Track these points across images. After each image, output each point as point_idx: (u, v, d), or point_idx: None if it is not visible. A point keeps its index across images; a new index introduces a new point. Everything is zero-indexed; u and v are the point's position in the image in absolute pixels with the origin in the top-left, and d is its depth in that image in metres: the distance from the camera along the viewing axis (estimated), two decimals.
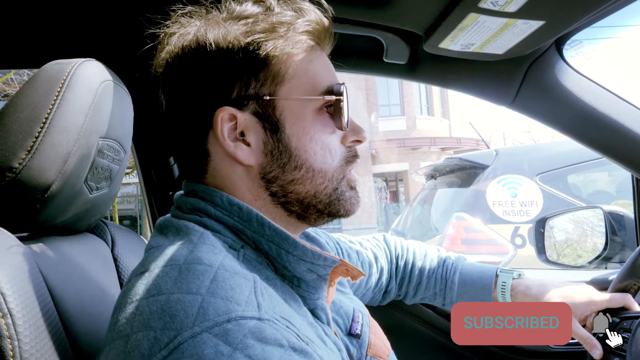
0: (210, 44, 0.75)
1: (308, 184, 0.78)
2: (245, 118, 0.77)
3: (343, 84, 0.80)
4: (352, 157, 0.83)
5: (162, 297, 0.60)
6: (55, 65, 0.89)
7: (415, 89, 25.21)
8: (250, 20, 0.76)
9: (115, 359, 0.59)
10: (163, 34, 0.81)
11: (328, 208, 0.81)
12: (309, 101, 0.78)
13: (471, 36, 1.12)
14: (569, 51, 1.34)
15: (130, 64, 1.04)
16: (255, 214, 0.75)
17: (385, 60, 1.38)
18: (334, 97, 0.79)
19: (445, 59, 1.31)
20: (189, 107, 0.78)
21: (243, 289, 0.63)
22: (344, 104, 0.79)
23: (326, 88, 0.79)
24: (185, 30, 0.79)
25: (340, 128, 0.80)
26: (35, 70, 0.89)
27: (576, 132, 1.38)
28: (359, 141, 0.84)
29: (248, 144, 0.77)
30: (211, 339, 0.55)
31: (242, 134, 0.77)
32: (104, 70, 0.94)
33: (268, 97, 0.76)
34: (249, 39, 0.74)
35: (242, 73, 0.76)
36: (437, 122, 26.07)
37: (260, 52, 0.74)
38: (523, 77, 1.34)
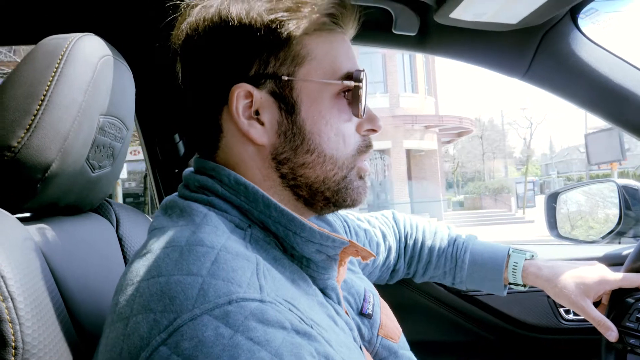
0: (233, 19, 0.73)
1: (318, 169, 0.77)
2: (261, 96, 0.75)
3: (363, 70, 0.78)
4: (365, 147, 0.82)
5: (162, 279, 0.59)
6: (53, 41, 0.86)
7: (399, 66, 25.17)
8: None
9: (115, 341, 0.58)
10: (185, 5, 0.79)
11: (335, 196, 0.80)
12: (327, 85, 0.76)
13: (484, 4, 1.08)
14: (584, 20, 1.30)
15: (131, 39, 1.01)
16: (261, 194, 0.74)
17: (394, 31, 1.35)
18: (352, 83, 0.77)
19: (456, 30, 1.27)
20: (205, 81, 0.77)
21: (245, 270, 0.62)
22: (363, 91, 0.77)
23: (346, 73, 0.77)
24: (208, 3, 0.77)
25: (357, 115, 0.78)
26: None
27: (592, 104, 1.34)
28: (374, 130, 0.82)
29: (262, 123, 0.76)
30: (211, 321, 0.54)
31: (257, 112, 0.76)
32: (103, 45, 0.92)
33: (286, 77, 0.74)
34: (271, 17, 0.72)
35: (262, 51, 0.74)
36: (421, 100, 26.02)
37: (282, 31, 0.72)
38: (536, 48, 1.30)
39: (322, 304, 0.75)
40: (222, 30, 0.74)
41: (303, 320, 0.62)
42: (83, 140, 0.86)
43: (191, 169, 0.82)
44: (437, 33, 1.35)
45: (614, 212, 1.69)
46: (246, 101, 0.75)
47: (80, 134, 0.85)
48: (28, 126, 0.79)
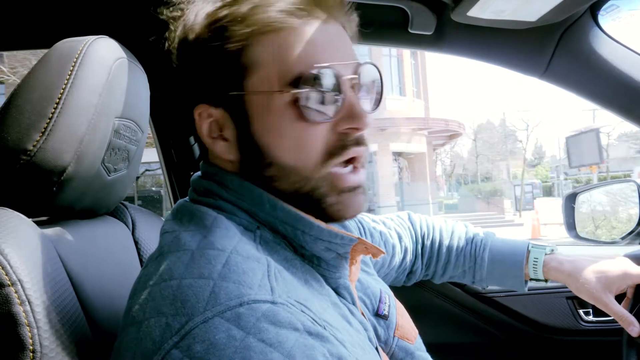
0: (187, 38, 0.73)
1: (284, 182, 0.72)
2: (219, 114, 0.73)
3: (327, 68, 0.69)
4: (340, 148, 0.72)
5: (174, 282, 0.59)
6: (67, 43, 0.86)
7: (385, 68, 24.96)
8: (218, 4, 0.72)
9: (128, 345, 0.59)
10: (174, 18, 0.78)
11: (316, 210, 0.74)
12: (274, 94, 0.69)
13: (502, 2, 1.07)
14: (604, 17, 1.27)
15: (145, 42, 1.01)
16: (266, 196, 0.73)
17: (411, 31, 1.33)
18: (299, 91, 0.68)
19: (473, 29, 1.25)
20: (181, 99, 0.77)
21: (256, 272, 0.61)
22: (316, 94, 0.69)
23: (297, 76, 0.68)
24: (187, 15, 0.75)
25: (311, 121, 0.69)
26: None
27: (612, 103, 1.32)
28: (356, 129, 0.72)
29: (227, 140, 0.74)
30: (223, 324, 0.54)
31: (222, 129, 0.74)
32: (117, 48, 0.91)
33: (234, 93, 0.71)
34: (213, 27, 0.70)
35: (211, 68, 0.72)
36: (409, 103, 25.93)
37: (222, 43, 0.70)
38: (556, 46, 1.28)
39: (336, 304, 0.74)
40: (182, 49, 0.74)
41: (316, 321, 0.61)
42: (98, 143, 0.86)
43: (199, 173, 0.82)
44: (454, 32, 1.34)
45: (635, 213, 1.66)
46: (209, 120, 0.74)
47: (96, 137, 0.84)
48: (43, 129, 0.78)
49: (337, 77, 0.70)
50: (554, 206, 22.81)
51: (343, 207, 0.74)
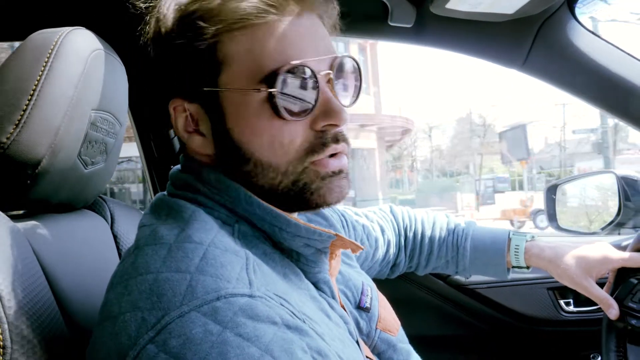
0: (157, 32, 0.71)
1: (261, 178, 0.72)
2: (195, 109, 0.72)
3: (301, 65, 0.67)
4: (320, 146, 0.71)
5: (151, 276, 0.59)
6: (42, 35, 0.85)
7: None
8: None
9: (103, 340, 0.58)
10: (148, 10, 0.76)
11: (299, 201, 0.73)
12: (248, 91, 0.68)
13: None
14: (581, 9, 1.28)
15: (123, 33, 1.00)
16: (243, 192, 0.72)
17: (390, 23, 1.33)
18: (275, 89, 0.67)
19: (452, 21, 1.26)
20: (157, 93, 0.76)
21: (234, 265, 0.61)
22: (290, 92, 0.67)
23: (270, 72, 0.67)
24: (159, 8, 0.73)
25: (285, 118, 0.68)
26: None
27: (590, 95, 1.33)
28: (333, 125, 0.71)
29: (203, 134, 0.73)
30: (200, 318, 0.54)
31: (198, 123, 0.73)
32: (94, 39, 0.90)
33: (207, 89, 0.70)
34: (183, 22, 0.69)
35: (184, 63, 0.70)
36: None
37: (194, 38, 0.68)
38: (534, 38, 1.29)
39: (315, 298, 0.74)
40: (156, 43, 0.73)
41: (295, 315, 0.61)
42: (74, 136, 0.85)
43: (178, 167, 0.81)
44: (433, 25, 1.34)
45: (614, 203, 1.68)
46: (185, 114, 0.73)
47: (71, 129, 0.83)
48: (17, 122, 0.77)
49: (312, 73, 0.68)
50: (516, 200, 22.92)
51: (327, 191, 0.73)
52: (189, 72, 0.71)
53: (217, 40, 0.68)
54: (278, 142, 0.69)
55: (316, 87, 0.69)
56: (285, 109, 0.68)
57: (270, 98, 0.67)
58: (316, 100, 0.69)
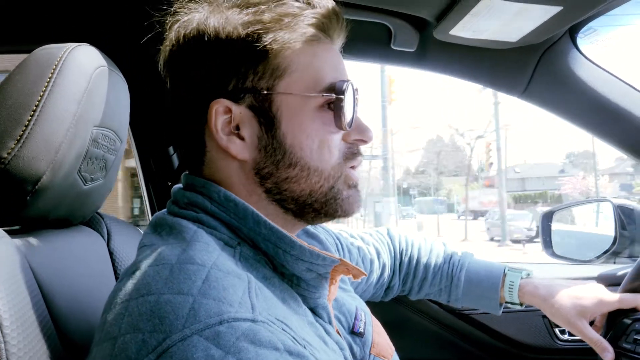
0: (209, 34, 0.72)
1: (303, 182, 0.75)
2: (240, 111, 0.73)
3: (348, 81, 0.76)
4: (352, 155, 0.79)
5: (152, 298, 0.57)
6: (46, 50, 0.84)
7: None
8: (252, 9, 0.73)
9: None
10: (168, 21, 0.78)
11: (325, 207, 0.78)
12: (308, 98, 0.74)
13: (484, 22, 1.08)
14: (582, 39, 1.30)
15: (126, 50, 1.00)
16: (251, 211, 0.72)
17: (393, 47, 1.34)
18: (334, 96, 0.74)
19: (455, 47, 1.27)
20: (187, 97, 0.76)
21: (237, 289, 0.60)
22: (345, 104, 0.75)
23: (328, 85, 0.75)
24: (188, 18, 0.75)
25: (341, 127, 0.75)
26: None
27: (590, 124, 1.34)
28: (363, 141, 0.80)
29: (242, 138, 0.74)
30: (202, 342, 0.53)
31: (238, 127, 0.74)
32: (98, 56, 0.90)
33: (265, 92, 0.73)
34: (248, 30, 0.71)
35: (240, 65, 0.72)
36: None
37: (259, 44, 0.71)
38: (535, 66, 1.31)
39: (312, 323, 0.73)
40: (200, 45, 0.73)
41: (296, 340, 0.60)
42: (75, 152, 0.84)
43: (180, 185, 0.81)
44: (436, 50, 1.35)
45: (609, 232, 1.68)
46: (225, 116, 0.73)
47: (73, 145, 0.83)
48: (19, 137, 0.76)
49: (354, 91, 0.78)
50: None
51: (353, 201, 0.80)
52: (242, 75, 0.73)
53: (286, 47, 0.73)
54: (327, 147, 0.75)
55: (356, 103, 0.78)
56: (337, 118, 0.75)
57: (327, 106, 0.75)
58: (354, 116, 0.78)
